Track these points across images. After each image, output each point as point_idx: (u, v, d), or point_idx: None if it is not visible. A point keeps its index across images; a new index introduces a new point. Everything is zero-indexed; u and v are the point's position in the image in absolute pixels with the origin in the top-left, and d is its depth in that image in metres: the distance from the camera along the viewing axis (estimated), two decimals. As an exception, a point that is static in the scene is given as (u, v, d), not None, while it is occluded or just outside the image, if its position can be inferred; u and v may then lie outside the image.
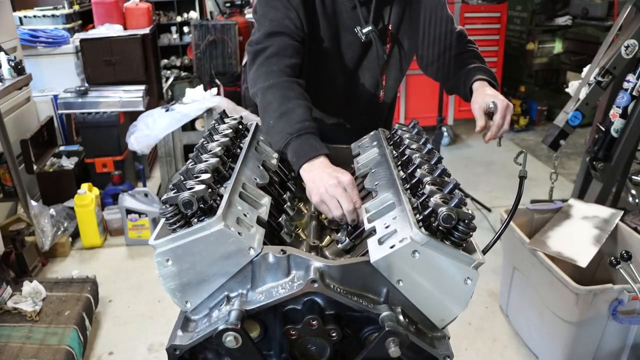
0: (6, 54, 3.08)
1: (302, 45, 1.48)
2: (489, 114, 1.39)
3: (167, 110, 3.77)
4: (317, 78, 1.56)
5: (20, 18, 4.38)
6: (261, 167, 1.28)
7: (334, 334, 0.98)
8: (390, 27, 1.58)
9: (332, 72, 1.60)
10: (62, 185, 3.70)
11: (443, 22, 1.60)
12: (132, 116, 3.97)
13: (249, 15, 5.84)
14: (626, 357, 2.24)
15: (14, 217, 3.35)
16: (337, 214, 1.16)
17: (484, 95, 1.41)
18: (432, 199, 0.95)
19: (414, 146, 1.24)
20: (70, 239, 3.46)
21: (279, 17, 1.45)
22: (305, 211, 1.33)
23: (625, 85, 2.66)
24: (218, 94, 4.26)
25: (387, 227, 0.98)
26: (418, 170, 1.09)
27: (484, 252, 1.02)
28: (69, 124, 4.35)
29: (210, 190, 1.01)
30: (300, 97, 1.36)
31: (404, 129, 1.39)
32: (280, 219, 1.18)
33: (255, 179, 1.21)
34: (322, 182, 1.17)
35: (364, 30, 1.53)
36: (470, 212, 0.92)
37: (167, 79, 5.70)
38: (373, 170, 1.24)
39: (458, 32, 1.64)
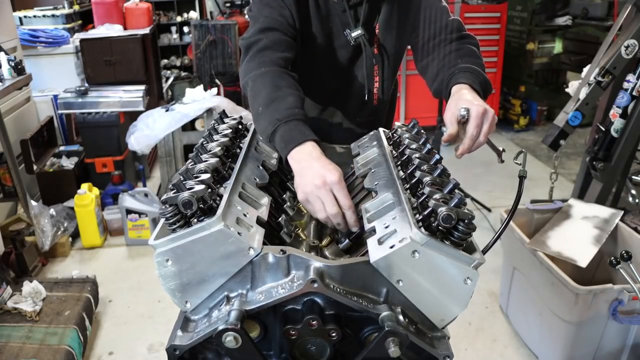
0: (6, 54, 3.08)
1: (295, 42, 1.48)
2: (464, 124, 1.21)
3: (167, 110, 3.77)
4: (311, 78, 1.55)
5: (20, 18, 4.37)
6: (261, 167, 1.28)
7: (334, 334, 0.97)
8: (377, 30, 1.56)
9: (325, 72, 1.60)
10: (62, 185, 3.70)
11: (435, 14, 1.51)
12: (132, 116, 3.97)
13: (248, 15, 5.83)
14: (626, 357, 2.24)
15: (14, 217, 3.35)
16: (321, 217, 1.12)
17: (458, 100, 1.24)
18: (431, 199, 0.95)
19: (413, 146, 1.23)
20: (70, 239, 3.47)
21: (273, 14, 1.46)
22: (305, 211, 1.33)
23: (625, 85, 2.66)
24: (218, 94, 4.26)
25: (386, 227, 0.98)
26: (418, 170, 1.09)
27: (484, 252, 1.02)
28: (69, 124, 4.36)
29: (210, 190, 1.01)
30: (292, 86, 1.32)
31: (403, 128, 1.39)
32: (280, 219, 1.17)
33: (255, 179, 1.20)
34: (308, 179, 1.11)
35: (353, 34, 1.52)
36: (470, 212, 0.92)
37: (167, 79, 5.69)
38: (373, 170, 1.24)
39: (451, 27, 1.49)
